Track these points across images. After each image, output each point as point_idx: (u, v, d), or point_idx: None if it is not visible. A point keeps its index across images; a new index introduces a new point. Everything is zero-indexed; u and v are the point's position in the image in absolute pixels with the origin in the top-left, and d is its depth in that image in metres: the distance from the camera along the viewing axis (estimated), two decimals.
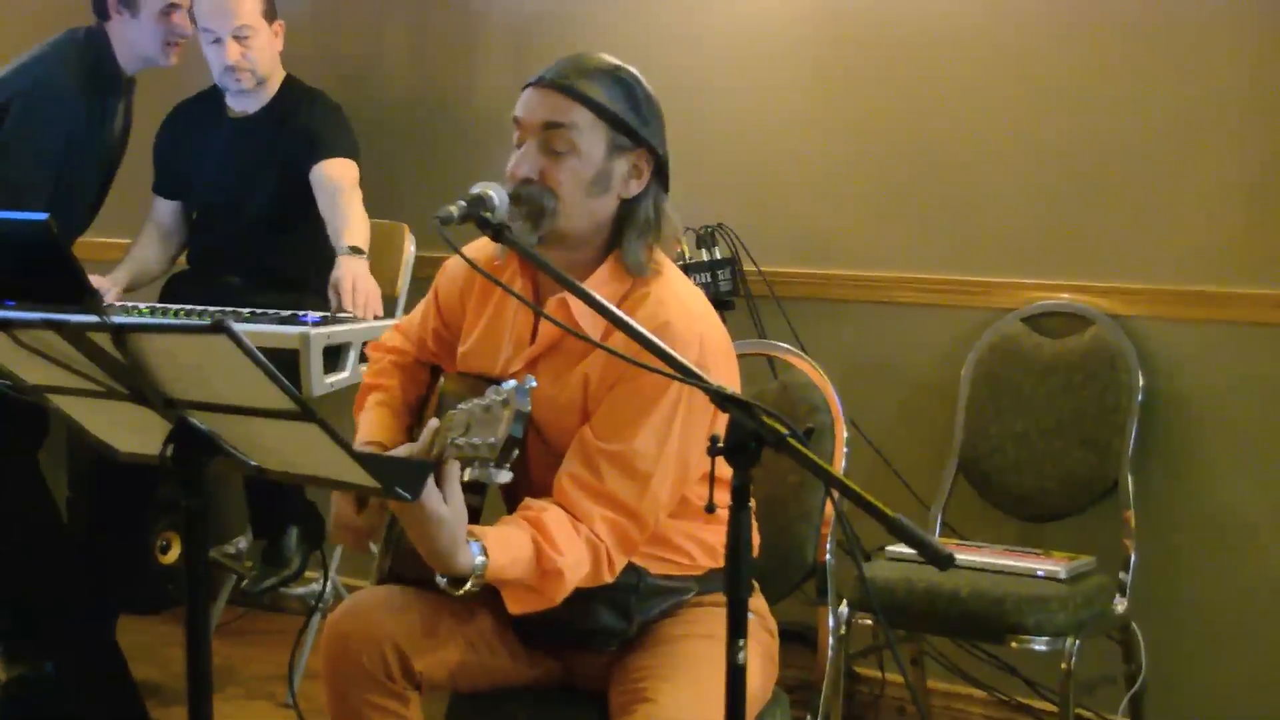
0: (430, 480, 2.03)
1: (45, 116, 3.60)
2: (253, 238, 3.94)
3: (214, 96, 4.02)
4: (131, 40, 3.75)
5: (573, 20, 4.16)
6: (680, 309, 2.29)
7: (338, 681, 2.29)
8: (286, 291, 3.85)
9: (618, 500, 2.23)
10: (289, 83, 3.99)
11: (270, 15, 3.89)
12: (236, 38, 3.82)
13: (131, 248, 4.03)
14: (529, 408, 1.95)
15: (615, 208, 2.31)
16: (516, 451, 1.96)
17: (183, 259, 4.14)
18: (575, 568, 2.19)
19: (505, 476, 1.99)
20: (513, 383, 1.96)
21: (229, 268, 3.94)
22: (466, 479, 2.03)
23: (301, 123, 3.90)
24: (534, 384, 1.97)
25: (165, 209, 4.09)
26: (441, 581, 2.13)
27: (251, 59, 3.84)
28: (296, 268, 3.96)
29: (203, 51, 3.86)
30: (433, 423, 2.08)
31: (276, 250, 3.95)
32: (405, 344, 2.60)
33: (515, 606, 2.20)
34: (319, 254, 3.99)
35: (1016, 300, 3.63)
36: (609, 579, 2.25)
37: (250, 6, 3.83)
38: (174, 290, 3.96)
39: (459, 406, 2.03)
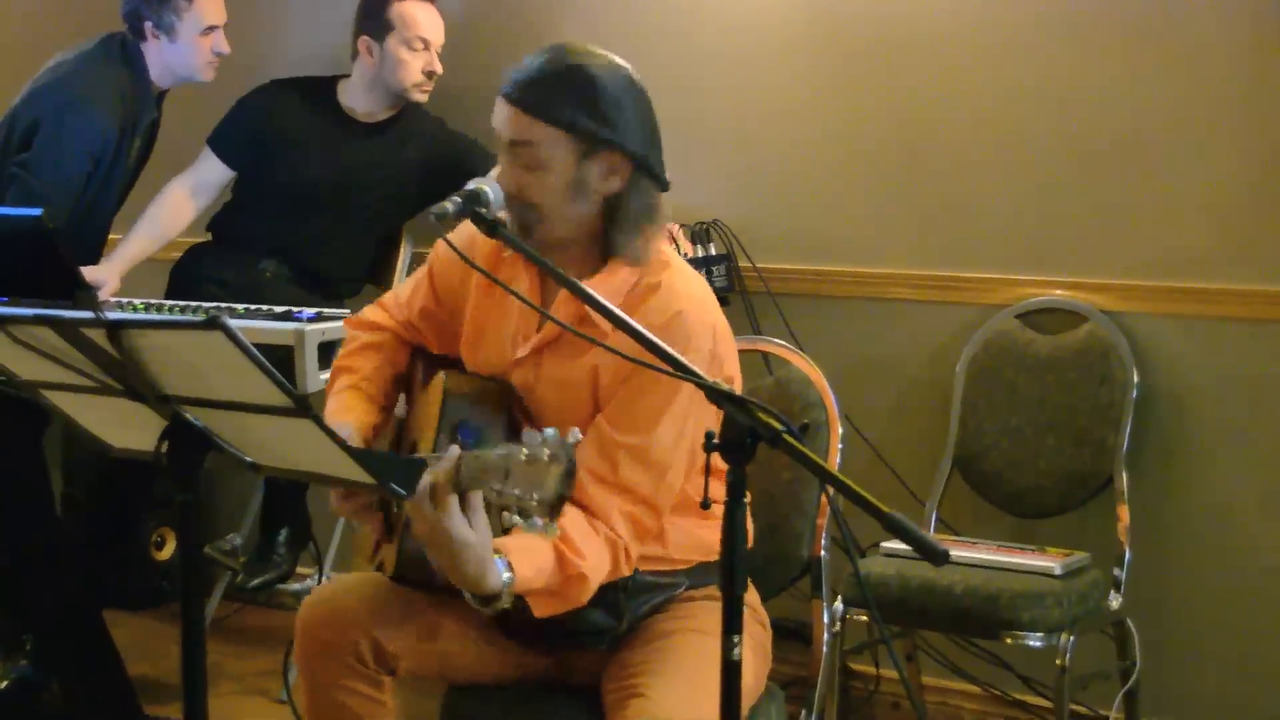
0: (455, 506, 2.01)
1: (74, 138, 3.58)
2: (322, 232, 3.95)
3: (325, 89, 4.04)
4: (168, 61, 3.75)
5: (566, 15, 4.15)
6: (691, 299, 2.30)
7: (311, 665, 2.31)
8: (320, 291, 3.90)
9: (634, 491, 2.24)
10: (409, 104, 4.02)
11: None
12: (438, 53, 3.94)
13: (156, 211, 3.95)
14: (576, 462, 1.90)
15: (600, 206, 2.31)
16: (565, 506, 1.93)
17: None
18: (597, 569, 2.20)
19: (554, 531, 1.94)
20: (554, 432, 1.90)
21: (271, 253, 3.94)
22: (505, 526, 1.97)
23: (454, 150, 3.98)
24: (579, 436, 1.91)
25: (217, 170, 4.03)
26: (471, 600, 2.13)
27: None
28: (340, 270, 4.02)
29: (396, 55, 3.90)
30: (453, 450, 2.02)
31: (336, 250, 3.98)
32: (387, 320, 2.57)
33: (540, 610, 2.20)
34: (366, 266, 4.09)
35: (1011, 297, 3.64)
36: (628, 572, 2.27)
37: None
38: (194, 269, 3.95)
39: (495, 451, 1.95)
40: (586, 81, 2.26)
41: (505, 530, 2.05)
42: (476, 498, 2.03)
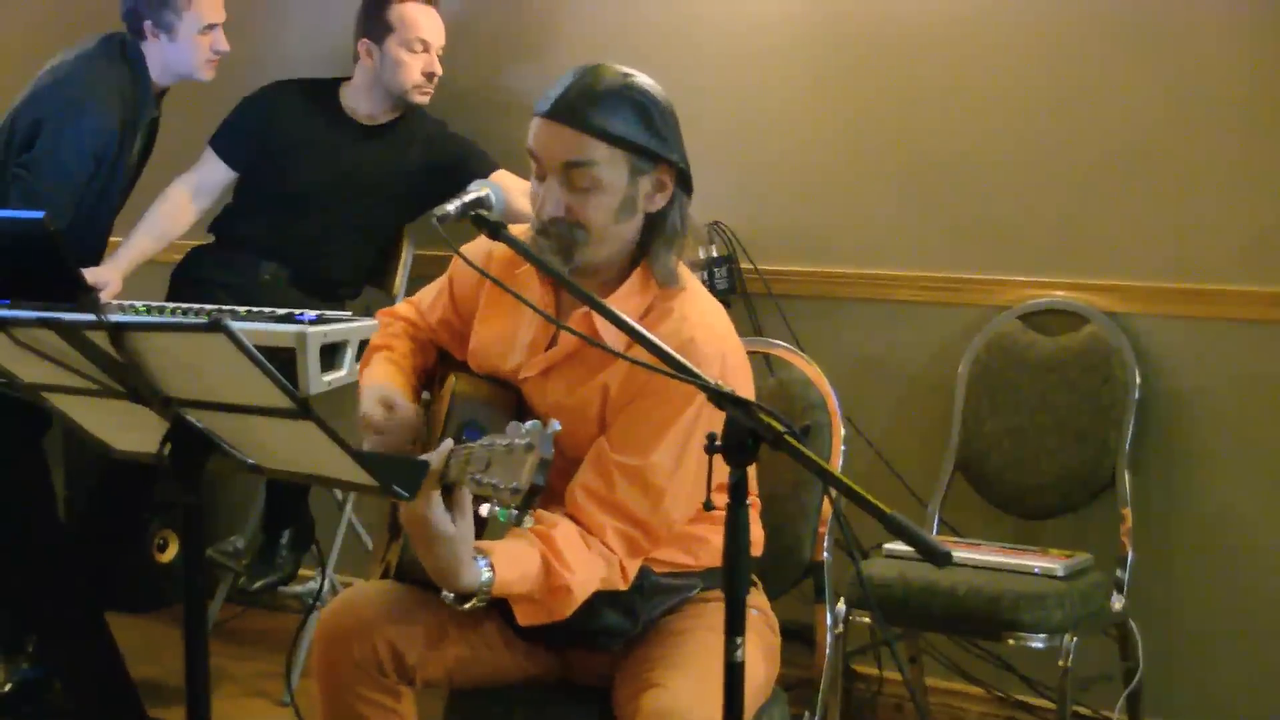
0: (437, 499, 2.03)
1: (76, 138, 3.58)
2: (323, 234, 3.95)
3: (327, 91, 4.05)
4: (168, 60, 3.75)
5: (567, 18, 4.15)
6: (704, 326, 2.30)
7: (329, 675, 2.30)
8: (320, 293, 3.91)
9: (629, 512, 2.24)
10: (411, 109, 4.03)
11: None
12: (438, 55, 3.95)
13: (159, 212, 3.95)
14: (552, 454, 1.93)
15: (641, 223, 2.32)
16: (538, 498, 1.95)
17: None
18: (584, 584, 2.20)
19: (528, 522, 1.98)
20: (536, 424, 1.93)
21: (271, 255, 3.93)
22: (483, 514, 2.01)
23: (453, 153, 3.96)
24: (558, 427, 1.94)
25: (219, 171, 4.03)
26: (448, 597, 2.14)
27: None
28: (341, 272, 4.02)
29: (395, 57, 3.90)
30: (447, 443, 2.06)
31: (337, 252, 3.99)
32: (417, 319, 2.60)
33: (523, 619, 2.21)
34: (365, 269, 4.09)
35: (1013, 298, 3.64)
36: (624, 587, 2.27)
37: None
38: (194, 271, 3.95)
39: (479, 442, 2.00)
40: (640, 97, 2.26)
41: (483, 523, 2.08)
42: (464, 495, 2.04)
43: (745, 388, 2.34)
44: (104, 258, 3.85)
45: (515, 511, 1.95)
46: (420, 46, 3.92)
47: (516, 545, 2.16)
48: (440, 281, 2.58)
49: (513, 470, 1.93)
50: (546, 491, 2.26)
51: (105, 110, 3.62)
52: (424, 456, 2.10)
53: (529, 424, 1.94)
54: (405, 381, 2.48)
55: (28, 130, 3.60)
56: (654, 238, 2.32)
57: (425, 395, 2.58)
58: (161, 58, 3.74)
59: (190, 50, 3.74)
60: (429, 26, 3.94)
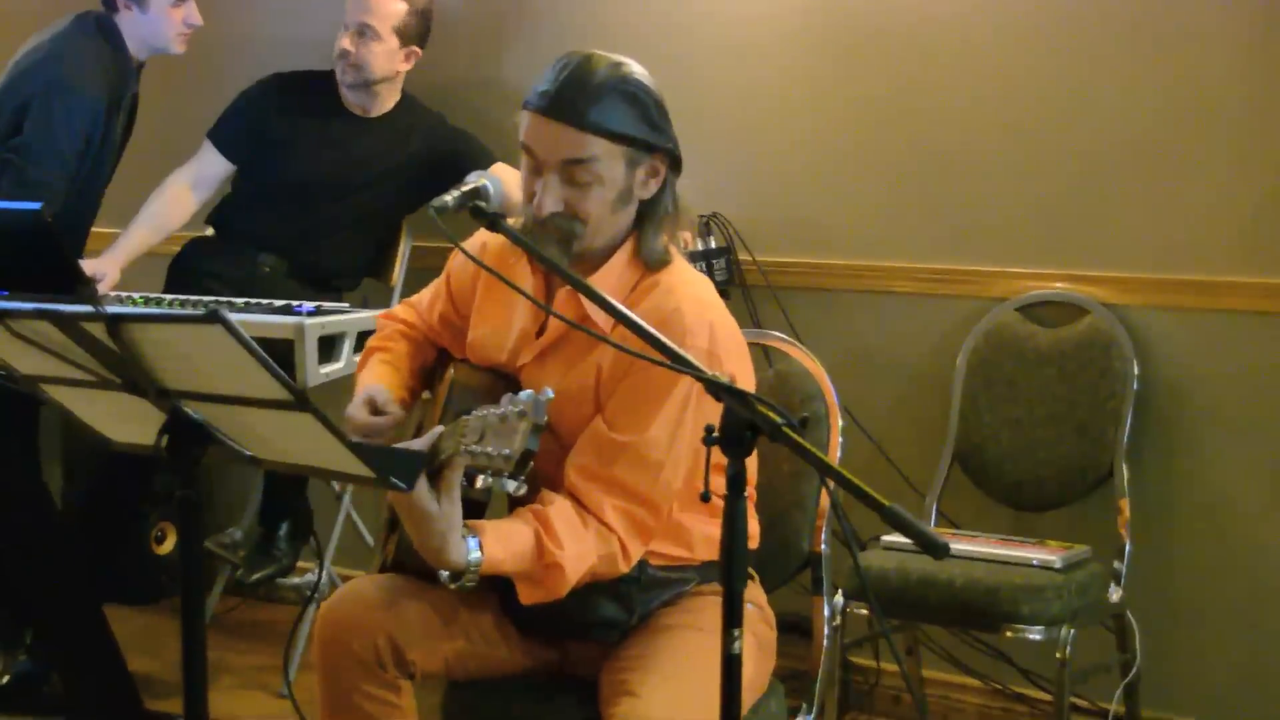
0: (422, 478, 2.04)
1: (65, 117, 3.56)
2: (321, 226, 3.95)
3: (326, 83, 4.04)
4: (141, 33, 3.73)
5: (564, 8, 4.15)
6: (690, 297, 2.30)
7: (330, 669, 2.30)
8: (318, 285, 3.91)
9: (629, 488, 2.24)
10: (409, 101, 4.03)
11: (405, 38, 3.95)
12: (359, 32, 3.91)
13: (157, 204, 3.95)
14: (545, 420, 1.94)
15: (636, 209, 2.33)
16: (531, 464, 1.96)
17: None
18: (576, 560, 2.19)
19: (521, 489, 2.00)
20: (529, 393, 1.95)
21: (269, 247, 3.93)
22: (479, 487, 2.03)
23: (451, 145, 3.95)
24: (550, 395, 1.96)
25: (217, 164, 4.03)
26: (443, 576, 2.15)
27: (361, 57, 3.91)
28: (339, 265, 4.02)
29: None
30: (437, 429, 2.08)
31: (335, 244, 3.98)
32: (416, 320, 2.61)
33: (524, 597, 2.22)
34: (364, 261, 4.09)
35: (1011, 289, 3.63)
36: (625, 568, 2.26)
37: (385, 12, 3.91)
38: (192, 262, 3.94)
39: (473, 413, 2.02)
40: (633, 88, 2.25)
41: (484, 499, 2.09)
42: (450, 478, 2.06)
43: (738, 357, 2.34)
44: (88, 238, 3.82)
45: (509, 479, 1.96)
46: None
47: (510, 525, 2.17)
48: (438, 280, 2.59)
49: (505, 437, 1.95)
50: (548, 478, 2.26)
51: (91, 87, 3.60)
52: (413, 442, 2.11)
53: (523, 394, 1.96)
54: (400, 382, 2.49)
55: (13, 115, 3.58)
56: (646, 221, 2.33)
57: (425, 395, 2.59)
58: (135, 30, 3.72)
59: (162, 22, 3.72)
60: None
